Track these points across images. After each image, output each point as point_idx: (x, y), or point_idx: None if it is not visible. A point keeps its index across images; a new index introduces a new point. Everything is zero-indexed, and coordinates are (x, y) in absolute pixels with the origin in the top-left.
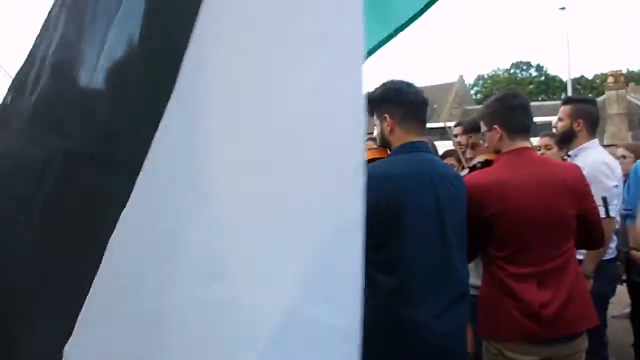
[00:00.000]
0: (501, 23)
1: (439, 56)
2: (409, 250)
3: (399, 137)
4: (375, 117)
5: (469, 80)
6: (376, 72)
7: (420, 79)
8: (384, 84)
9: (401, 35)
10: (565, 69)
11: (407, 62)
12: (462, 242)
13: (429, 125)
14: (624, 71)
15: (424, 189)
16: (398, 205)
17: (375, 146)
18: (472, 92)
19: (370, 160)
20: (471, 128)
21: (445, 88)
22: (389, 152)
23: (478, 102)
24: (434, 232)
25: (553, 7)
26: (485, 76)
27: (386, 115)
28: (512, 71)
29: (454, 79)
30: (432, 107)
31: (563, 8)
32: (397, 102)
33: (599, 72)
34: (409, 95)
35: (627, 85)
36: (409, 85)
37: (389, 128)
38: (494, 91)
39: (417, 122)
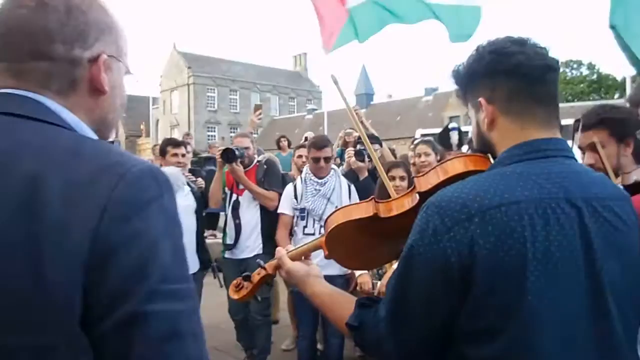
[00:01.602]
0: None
1: None
2: (539, 339)
3: (508, 134)
4: (469, 105)
5: None
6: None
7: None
8: (476, 48)
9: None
10: (619, 67)
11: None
12: (633, 319)
13: None
14: None
15: (560, 227)
16: (510, 259)
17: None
18: None
19: (458, 177)
20: None
21: None
22: (492, 160)
23: None
24: (582, 304)
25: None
26: None
27: (481, 99)
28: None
29: None
30: None
31: None
32: (496, 73)
33: None
34: (515, 58)
35: None
36: (519, 41)
37: (486, 120)
38: None
39: (539, 104)
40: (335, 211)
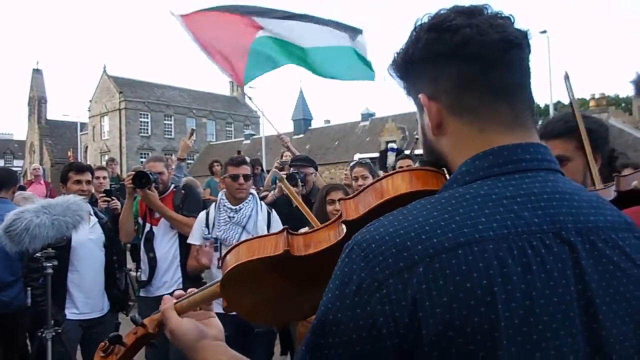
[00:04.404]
0: None
1: None
2: None
3: (463, 141)
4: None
5: None
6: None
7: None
8: (413, 26)
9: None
10: (541, 94)
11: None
12: None
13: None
14: (597, 96)
15: (546, 275)
16: (474, 328)
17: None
18: None
19: (400, 200)
20: None
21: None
22: (448, 176)
23: None
24: None
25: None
26: None
27: (421, 96)
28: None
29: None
30: (412, 135)
31: (544, 31)
32: (436, 58)
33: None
34: (461, 34)
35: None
36: (468, 11)
37: (431, 123)
38: None
39: (501, 95)
40: (234, 247)
